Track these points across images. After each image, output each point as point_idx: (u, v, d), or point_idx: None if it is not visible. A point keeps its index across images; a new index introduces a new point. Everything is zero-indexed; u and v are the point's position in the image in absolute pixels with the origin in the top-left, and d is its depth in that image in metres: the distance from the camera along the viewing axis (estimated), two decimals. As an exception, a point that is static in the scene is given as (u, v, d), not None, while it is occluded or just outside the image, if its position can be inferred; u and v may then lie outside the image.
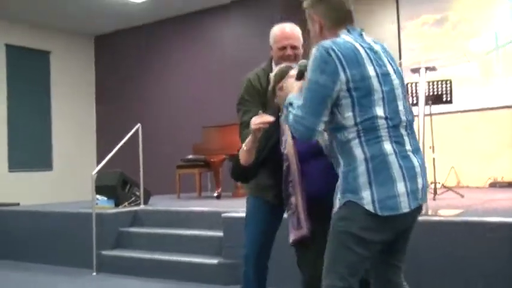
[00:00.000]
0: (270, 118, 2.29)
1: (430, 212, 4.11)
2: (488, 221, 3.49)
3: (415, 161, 1.98)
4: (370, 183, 1.90)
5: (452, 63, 7.44)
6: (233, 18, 9.33)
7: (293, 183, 2.35)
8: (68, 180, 9.97)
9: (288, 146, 2.38)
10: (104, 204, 5.90)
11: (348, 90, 1.90)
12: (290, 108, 2.01)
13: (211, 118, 8.20)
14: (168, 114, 9.88)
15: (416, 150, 2.02)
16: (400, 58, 8.10)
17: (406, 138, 1.99)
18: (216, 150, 7.00)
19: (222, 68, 9.16)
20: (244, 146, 2.39)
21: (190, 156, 7.47)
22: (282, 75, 2.39)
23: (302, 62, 2.26)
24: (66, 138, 10.43)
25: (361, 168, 1.91)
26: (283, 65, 2.49)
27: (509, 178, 7.04)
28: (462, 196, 5.42)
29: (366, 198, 1.90)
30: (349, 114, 1.91)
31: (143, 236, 5.53)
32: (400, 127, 1.98)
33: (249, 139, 2.37)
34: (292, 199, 2.36)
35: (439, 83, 5.55)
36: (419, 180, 1.97)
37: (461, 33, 7.86)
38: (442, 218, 3.81)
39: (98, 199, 5.81)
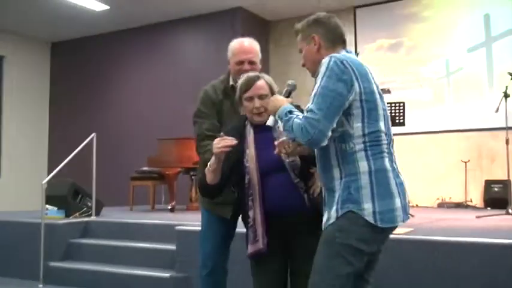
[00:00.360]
0: (231, 141, 2.27)
1: (399, 231, 4.19)
2: (437, 240, 3.60)
3: (402, 178, 2.10)
4: (372, 196, 1.96)
5: (406, 87, 7.68)
6: (192, 32, 9.36)
7: (253, 197, 2.36)
8: (17, 189, 9.68)
9: (250, 159, 2.38)
10: (53, 215, 5.76)
11: (360, 101, 1.99)
12: (291, 115, 2.02)
13: (167, 130, 8.17)
14: (123, 125, 9.77)
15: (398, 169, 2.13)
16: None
17: (394, 156, 2.11)
18: (171, 162, 6.96)
19: (179, 80, 9.16)
20: (208, 167, 2.37)
21: (145, 168, 7.39)
22: (249, 84, 2.41)
23: (291, 81, 2.28)
24: (17, 145, 10.14)
25: (365, 180, 1.97)
26: (251, 74, 2.48)
27: (456, 199, 7.29)
28: (412, 216, 5.56)
29: (368, 209, 1.95)
30: (358, 124, 1.99)
31: (94, 248, 5.41)
32: (391, 145, 2.11)
33: (212, 160, 2.34)
34: (251, 212, 2.36)
35: (393, 105, 5.71)
36: (406, 197, 2.09)
37: (415, 58, 8.15)
38: (393, 236, 3.89)
39: (47, 209, 5.66)
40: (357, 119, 1.99)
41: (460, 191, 7.43)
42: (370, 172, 1.98)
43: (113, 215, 6.33)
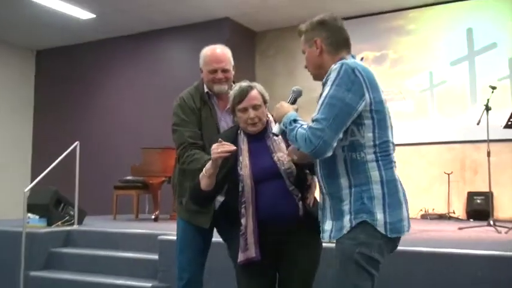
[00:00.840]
0: (231, 147, 2.28)
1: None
2: (420, 251, 3.62)
3: (403, 187, 2.09)
4: (384, 206, 1.95)
5: (390, 99, 7.74)
6: (179, 41, 9.37)
7: (246, 205, 2.35)
8: (-2, 197, 9.55)
9: (243, 167, 2.38)
10: (35, 223, 5.69)
11: (371, 111, 1.95)
12: (296, 124, 1.99)
13: (152, 139, 8.14)
14: (107, 134, 9.71)
15: None
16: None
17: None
18: (155, 172, 6.93)
19: (165, 89, 9.13)
20: (204, 172, 2.36)
21: (128, 177, 7.35)
22: (242, 95, 2.40)
23: (296, 87, 2.26)
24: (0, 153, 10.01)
25: (377, 190, 1.96)
26: (243, 84, 2.46)
27: (439, 210, 7.35)
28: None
29: (380, 220, 1.95)
30: (369, 134, 1.96)
31: (76, 257, 5.35)
32: (394, 154, 2.09)
33: (209, 166, 2.33)
34: (243, 220, 2.35)
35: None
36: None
37: (399, 71, 8.24)
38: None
39: (29, 217, 5.59)
40: (368, 128, 1.96)
41: (443, 203, 7.48)
42: (381, 182, 1.97)
43: (95, 224, 6.28)
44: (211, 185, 2.36)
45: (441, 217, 7.21)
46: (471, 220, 7.00)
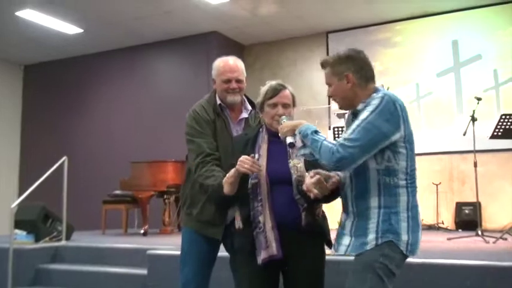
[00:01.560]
0: (259, 168, 2.33)
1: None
2: (409, 261, 3.63)
3: None
4: (408, 229, 2.11)
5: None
6: (167, 55, 9.39)
7: (262, 202, 2.36)
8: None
9: (262, 166, 2.40)
10: (22, 240, 5.63)
11: (405, 141, 2.13)
12: (320, 136, 2.15)
13: (141, 153, 8.12)
14: (96, 148, 9.67)
15: None
16: (329, 103, 8.41)
17: None
18: (144, 186, 6.91)
19: (153, 103, 9.15)
20: (226, 179, 2.40)
21: (117, 192, 7.31)
22: (275, 91, 2.48)
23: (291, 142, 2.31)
24: (-15, 168, 9.94)
25: (404, 214, 2.12)
26: (274, 82, 2.52)
27: (428, 221, 7.37)
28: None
29: (404, 241, 2.10)
30: (403, 162, 2.14)
31: (64, 273, 5.29)
32: None
33: (232, 173, 2.38)
34: (261, 218, 2.35)
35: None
36: None
37: (386, 82, 8.27)
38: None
39: (16, 234, 5.53)
40: (403, 157, 2.13)
41: (432, 213, 7.51)
42: (408, 208, 2.13)
43: (84, 239, 6.23)
44: (234, 190, 2.41)
45: (430, 228, 7.24)
46: (460, 230, 7.04)
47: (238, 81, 2.84)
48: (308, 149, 2.20)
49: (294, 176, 2.37)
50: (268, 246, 2.33)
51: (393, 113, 2.08)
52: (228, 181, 2.39)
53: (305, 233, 2.38)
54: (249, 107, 2.92)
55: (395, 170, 2.12)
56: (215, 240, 2.73)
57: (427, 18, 8.29)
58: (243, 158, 2.33)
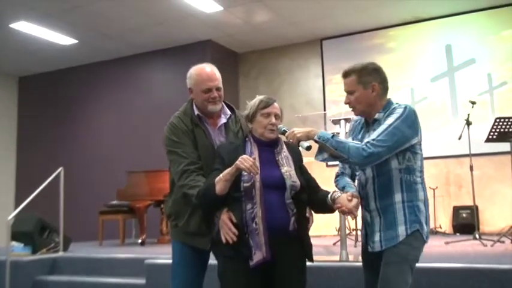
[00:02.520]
0: (257, 170, 2.39)
1: (351, 258, 4.22)
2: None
3: None
4: (425, 219, 2.44)
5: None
6: (162, 64, 9.41)
7: (257, 205, 2.39)
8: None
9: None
10: (19, 252, 5.60)
11: (419, 144, 2.47)
12: (343, 139, 2.43)
13: (137, 163, 8.12)
14: (92, 159, 9.65)
15: None
16: (324, 110, 8.44)
17: None
18: (141, 195, 6.89)
19: (149, 112, 9.15)
20: (221, 176, 2.42)
21: (114, 202, 7.29)
22: (268, 103, 2.61)
23: (309, 145, 2.47)
24: (-18, 181, 9.91)
25: (422, 206, 2.43)
26: (262, 96, 2.65)
27: (425, 226, 7.37)
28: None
29: (425, 230, 2.42)
30: (419, 162, 2.46)
31: (61, 285, 5.27)
32: None
33: (229, 171, 2.41)
34: (257, 220, 2.38)
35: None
36: None
37: (381, 88, 8.33)
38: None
39: (13, 246, 5.51)
40: (419, 157, 2.46)
41: (430, 218, 7.51)
42: (424, 201, 2.45)
43: (81, 250, 6.20)
44: (226, 190, 2.44)
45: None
46: (457, 234, 7.05)
47: (218, 89, 2.81)
48: (326, 154, 2.45)
49: (288, 182, 2.46)
50: (261, 249, 2.36)
51: (414, 121, 2.42)
52: (223, 178, 2.42)
53: (292, 237, 2.46)
54: (228, 112, 2.89)
55: (414, 169, 2.43)
56: (204, 250, 2.73)
57: (420, 24, 8.34)
58: (245, 156, 2.39)
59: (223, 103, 2.89)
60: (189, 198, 2.63)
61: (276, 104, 2.64)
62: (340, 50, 8.68)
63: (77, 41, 8.75)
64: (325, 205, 2.53)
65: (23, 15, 7.63)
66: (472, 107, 5.94)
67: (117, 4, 7.34)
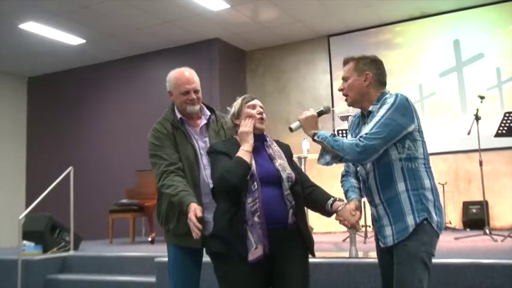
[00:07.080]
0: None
1: (360, 254, 4.22)
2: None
3: None
4: (435, 207, 2.35)
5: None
6: (170, 63, 9.29)
7: (258, 200, 2.39)
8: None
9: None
10: (31, 251, 5.65)
11: (418, 132, 2.41)
12: (339, 137, 2.40)
13: (146, 161, 8.12)
14: (102, 158, 9.70)
15: None
16: (332, 106, 8.42)
17: None
18: (151, 194, 6.90)
19: (157, 111, 9.04)
20: (243, 150, 2.47)
21: (124, 201, 7.33)
22: (251, 97, 2.67)
23: (327, 106, 2.62)
24: (-6, 180, 9.98)
25: (429, 194, 2.36)
26: (244, 97, 2.68)
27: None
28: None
29: (434, 218, 2.33)
30: (421, 149, 2.41)
31: (72, 283, 5.31)
32: None
33: (249, 121, 2.55)
34: (257, 215, 2.37)
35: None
36: None
37: (388, 84, 8.27)
38: (372, 260, 3.91)
39: (24, 245, 5.56)
40: (420, 144, 2.41)
41: (443, 209, 7.49)
42: (431, 188, 2.38)
43: (91, 248, 6.25)
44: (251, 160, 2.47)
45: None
46: (467, 229, 7.03)
47: (196, 91, 2.92)
48: (328, 157, 2.48)
49: (284, 174, 2.47)
50: (261, 243, 2.35)
51: (407, 108, 2.35)
52: (247, 150, 2.47)
53: (292, 231, 2.45)
54: (208, 113, 3.00)
55: (415, 156, 2.38)
56: (197, 249, 2.77)
57: (427, 19, 8.30)
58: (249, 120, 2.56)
59: (202, 105, 3.00)
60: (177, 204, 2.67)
61: (258, 101, 2.69)
62: (348, 47, 8.65)
63: (84, 41, 8.79)
64: (323, 209, 2.56)
65: (32, 16, 7.67)
66: (481, 101, 5.91)
67: (125, 4, 7.36)
